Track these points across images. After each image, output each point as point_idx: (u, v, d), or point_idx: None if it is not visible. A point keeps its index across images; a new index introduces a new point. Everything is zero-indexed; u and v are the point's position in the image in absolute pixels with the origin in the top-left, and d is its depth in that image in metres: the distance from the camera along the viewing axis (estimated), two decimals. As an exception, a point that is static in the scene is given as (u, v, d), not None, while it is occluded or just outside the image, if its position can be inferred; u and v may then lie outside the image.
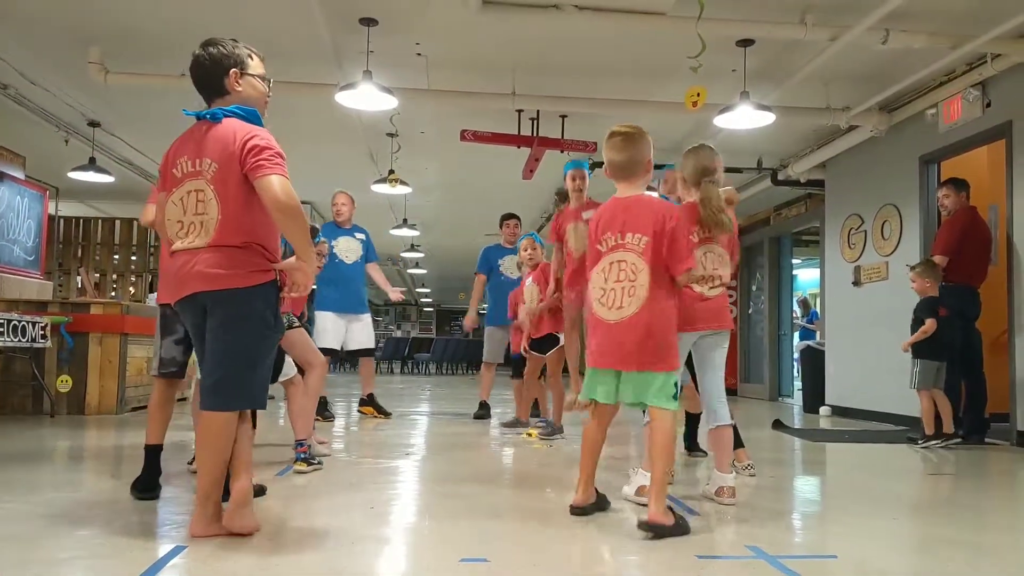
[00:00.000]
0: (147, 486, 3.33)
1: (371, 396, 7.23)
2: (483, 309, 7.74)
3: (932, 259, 6.07)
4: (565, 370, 5.91)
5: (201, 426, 2.68)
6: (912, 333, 5.94)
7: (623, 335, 2.97)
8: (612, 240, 3.05)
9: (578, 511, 3.13)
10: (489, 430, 6.39)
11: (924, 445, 5.69)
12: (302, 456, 4.08)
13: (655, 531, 2.77)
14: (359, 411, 7.27)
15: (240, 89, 2.82)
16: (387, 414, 7.23)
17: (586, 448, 3.18)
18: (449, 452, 5.35)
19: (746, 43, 5.95)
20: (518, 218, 7.74)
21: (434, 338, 24.02)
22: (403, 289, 7.93)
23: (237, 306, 2.65)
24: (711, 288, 3.43)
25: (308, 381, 4.40)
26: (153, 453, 3.39)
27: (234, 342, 2.66)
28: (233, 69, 2.81)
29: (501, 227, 7.67)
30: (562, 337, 5.79)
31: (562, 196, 5.87)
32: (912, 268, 6.08)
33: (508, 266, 7.28)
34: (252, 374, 2.70)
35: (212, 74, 2.80)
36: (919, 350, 5.87)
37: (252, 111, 2.79)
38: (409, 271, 21.10)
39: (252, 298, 2.66)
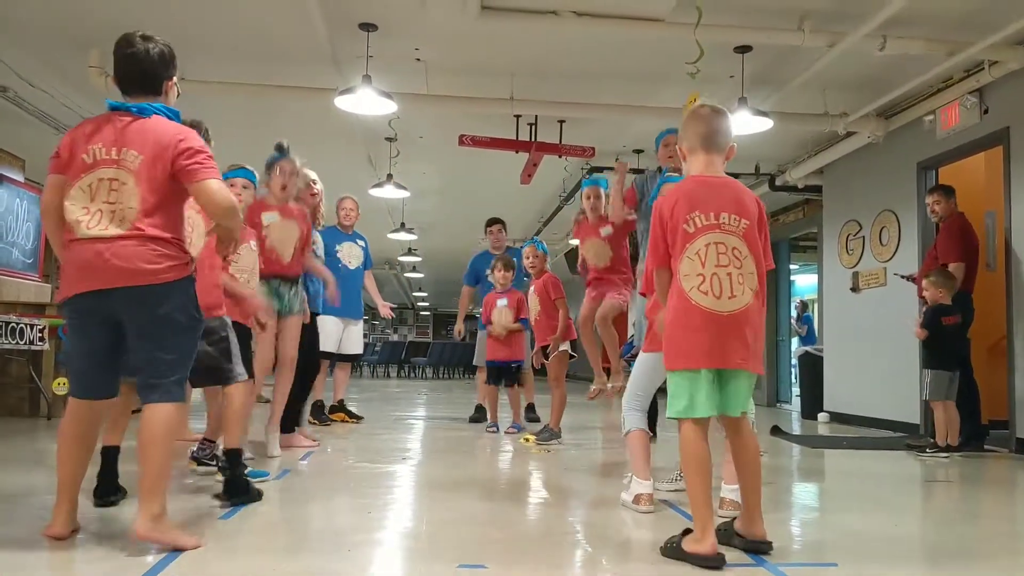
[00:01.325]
0: (105, 491, 3.24)
1: (341, 402, 7.18)
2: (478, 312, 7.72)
3: (947, 268, 5.95)
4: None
5: (144, 419, 2.63)
6: (930, 338, 5.82)
7: (740, 328, 2.58)
8: (702, 220, 2.65)
9: (716, 563, 2.47)
10: (485, 435, 6.37)
11: (933, 454, 5.63)
12: (205, 457, 4.03)
13: (765, 548, 2.65)
14: (330, 417, 7.00)
15: (172, 95, 2.87)
16: (359, 418, 7.18)
17: (702, 474, 2.55)
18: (446, 457, 5.34)
19: (744, 49, 5.96)
20: (502, 223, 7.72)
21: (431, 342, 23.97)
22: (393, 305, 7.89)
23: (159, 302, 2.61)
24: None
25: (279, 381, 4.63)
26: (109, 456, 3.31)
27: (171, 337, 2.66)
28: (175, 75, 2.87)
29: (486, 233, 7.66)
30: (560, 344, 5.82)
31: (581, 211, 5.91)
32: (927, 277, 6.00)
33: None
34: (187, 368, 2.73)
35: (155, 73, 2.82)
36: (931, 360, 5.79)
37: (176, 112, 2.81)
38: (406, 275, 21.08)
39: (174, 293, 2.64)
